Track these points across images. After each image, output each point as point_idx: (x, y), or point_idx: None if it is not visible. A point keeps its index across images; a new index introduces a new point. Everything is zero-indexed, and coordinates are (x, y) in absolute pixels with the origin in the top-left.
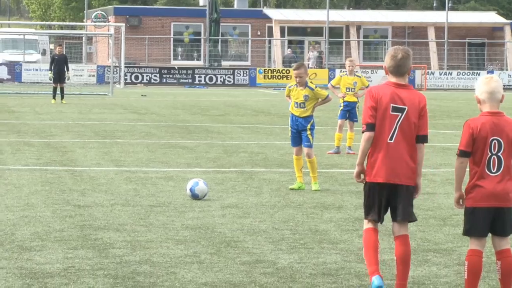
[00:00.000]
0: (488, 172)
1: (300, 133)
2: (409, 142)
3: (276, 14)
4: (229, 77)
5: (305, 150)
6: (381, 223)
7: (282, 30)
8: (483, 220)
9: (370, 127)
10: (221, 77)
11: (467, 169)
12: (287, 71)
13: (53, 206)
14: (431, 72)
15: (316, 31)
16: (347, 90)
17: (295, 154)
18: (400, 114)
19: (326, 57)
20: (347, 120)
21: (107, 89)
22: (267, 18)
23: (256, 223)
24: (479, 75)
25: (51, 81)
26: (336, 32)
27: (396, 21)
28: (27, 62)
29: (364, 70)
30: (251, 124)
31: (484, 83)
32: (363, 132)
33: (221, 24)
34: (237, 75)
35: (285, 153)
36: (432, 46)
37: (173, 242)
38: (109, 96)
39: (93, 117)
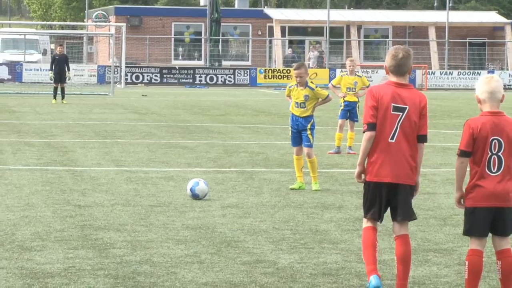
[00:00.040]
0: (489, 172)
1: (300, 133)
2: (410, 141)
3: (277, 14)
4: (229, 77)
5: (305, 150)
6: (381, 222)
7: (282, 30)
8: (483, 220)
9: (371, 126)
10: (221, 77)
11: (468, 169)
12: (288, 71)
13: (54, 206)
14: (432, 72)
15: (317, 30)
16: (348, 90)
17: (296, 154)
18: (401, 113)
19: (327, 57)
20: (348, 120)
21: (107, 89)
22: (268, 18)
23: (257, 223)
24: (479, 74)
25: (52, 81)
26: (337, 32)
27: (396, 21)
28: (28, 62)
29: (364, 70)
30: (251, 124)
31: (484, 82)
32: (364, 132)
33: (221, 24)
34: (237, 75)
35: (285, 153)
36: (433, 46)
37: (174, 242)
38: (109, 96)
39: (93, 117)
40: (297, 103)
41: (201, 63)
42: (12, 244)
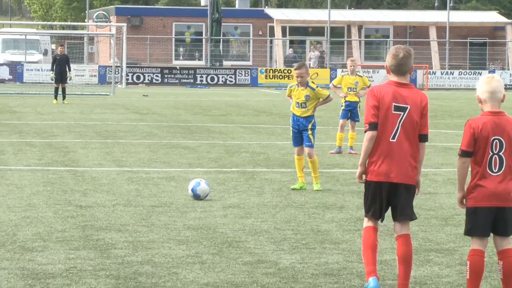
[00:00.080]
0: (490, 172)
1: (301, 133)
2: (411, 141)
3: (278, 14)
4: (230, 77)
5: (306, 150)
6: (382, 221)
7: (283, 30)
8: (484, 220)
9: (372, 126)
10: (222, 77)
11: (469, 169)
12: (289, 71)
13: (55, 207)
14: (433, 71)
15: (318, 30)
16: (349, 90)
17: (297, 154)
18: (402, 113)
19: (328, 56)
20: (349, 120)
21: (108, 89)
22: (269, 18)
23: (258, 223)
24: (480, 74)
25: (53, 81)
26: (338, 32)
27: (397, 21)
28: (29, 62)
29: (365, 69)
30: (252, 124)
31: (485, 82)
32: (365, 132)
33: (222, 24)
34: (238, 75)
35: (286, 153)
36: (434, 46)
37: (175, 243)
38: (110, 96)
39: (94, 117)
40: (298, 103)
41: (202, 63)
42: (14, 245)
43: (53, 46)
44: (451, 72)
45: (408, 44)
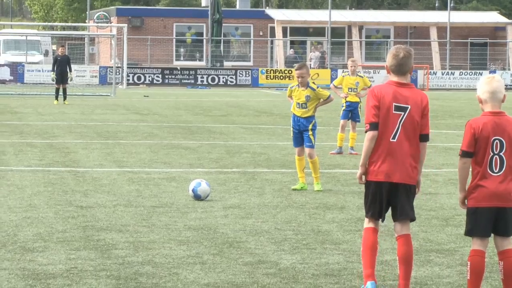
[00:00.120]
0: (490, 172)
1: (302, 133)
2: (412, 141)
3: (278, 15)
4: (231, 78)
5: (307, 150)
6: (383, 221)
7: (284, 30)
8: (485, 220)
9: (373, 126)
10: (223, 78)
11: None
12: (289, 72)
13: (56, 207)
14: (434, 72)
15: (318, 31)
16: (349, 90)
17: (297, 154)
18: (403, 113)
19: (328, 57)
20: (350, 121)
21: (109, 90)
22: (269, 19)
23: (259, 224)
24: (481, 75)
25: (54, 82)
26: (338, 32)
27: (398, 21)
28: (30, 63)
29: (366, 70)
30: (253, 124)
31: (485, 83)
32: (366, 132)
33: (223, 24)
34: (239, 76)
35: (287, 153)
36: (434, 46)
37: (176, 243)
38: (111, 97)
39: (95, 118)
40: (298, 103)
41: (202, 63)
42: (14, 245)
43: (54, 47)
44: (451, 73)
45: (408, 45)
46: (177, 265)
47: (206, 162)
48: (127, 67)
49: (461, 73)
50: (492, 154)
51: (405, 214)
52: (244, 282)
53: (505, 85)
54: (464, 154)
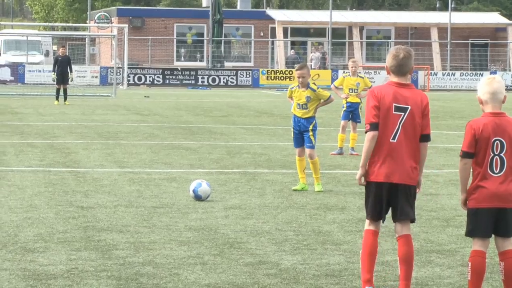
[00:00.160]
0: (491, 173)
1: (302, 134)
2: (412, 141)
3: (279, 15)
4: (232, 78)
5: (307, 151)
6: (383, 222)
7: (285, 31)
8: (486, 221)
9: (374, 126)
10: (224, 78)
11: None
12: (290, 72)
13: (56, 208)
14: (434, 73)
15: (319, 32)
16: (350, 91)
17: (298, 155)
18: (403, 113)
19: (329, 58)
20: (350, 121)
21: (110, 90)
22: (270, 19)
23: (259, 224)
24: (482, 75)
25: (55, 83)
26: (339, 33)
27: (399, 22)
28: (30, 63)
29: (367, 71)
30: (254, 125)
31: (486, 83)
32: (366, 132)
33: (224, 25)
34: (240, 76)
35: (288, 154)
36: (435, 47)
37: (176, 243)
38: (112, 97)
39: (96, 118)
40: (299, 104)
41: (203, 64)
42: (15, 246)
43: (55, 47)
44: (452, 73)
45: (409, 45)
46: (178, 266)
47: (207, 163)
48: (128, 68)
49: (461, 74)
50: (492, 155)
51: (405, 214)
52: (245, 282)
53: (506, 86)
54: (465, 155)
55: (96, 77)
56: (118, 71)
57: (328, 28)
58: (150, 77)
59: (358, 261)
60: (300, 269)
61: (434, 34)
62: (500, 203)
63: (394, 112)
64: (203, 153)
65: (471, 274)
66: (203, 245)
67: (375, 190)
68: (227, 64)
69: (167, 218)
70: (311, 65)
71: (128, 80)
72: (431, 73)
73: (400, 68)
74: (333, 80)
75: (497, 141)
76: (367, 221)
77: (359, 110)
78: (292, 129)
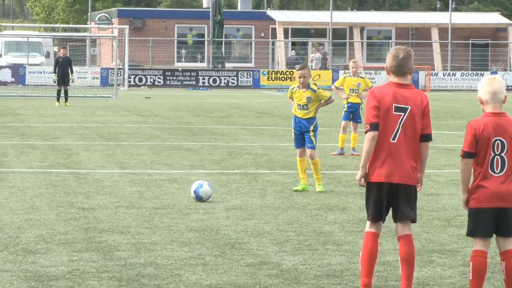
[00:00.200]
0: (492, 173)
1: (303, 134)
2: (412, 142)
3: (280, 16)
4: (232, 79)
5: (308, 151)
6: (383, 222)
7: (285, 31)
8: (487, 221)
9: (374, 126)
10: (224, 79)
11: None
12: (291, 73)
13: (58, 209)
14: (435, 73)
15: (320, 32)
16: (351, 91)
17: (299, 155)
18: (403, 114)
19: (330, 58)
20: (351, 122)
21: (111, 91)
22: (271, 20)
23: (261, 225)
24: (483, 75)
25: (55, 84)
26: (340, 34)
27: (399, 22)
28: (31, 64)
29: (367, 71)
30: (255, 125)
31: (486, 83)
32: (366, 132)
33: (224, 26)
34: (240, 77)
35: (289, 154)
36: (436, 47)
37: (178, 244)
38: (113, 99)
39: (97, 120)
40: (299, 105)
41: (204, 65)
42: (16, 247)
43: (56, 49)
44: (453, 74)
45: (410, 46)
46: (179, 267)
47: (208, 164)
48: (129, 69)
49: (462, 74)
50: (493, 154)
51: (405, 214)
52: (246, 283)
53: (506, 86)
54: (466, 155)
55: (97, 78)
56: (119, 72)
57: (329, 29)
58: (151, 78)
59: (359, 261)
60: (302, 269)
61: (435, 34)
62: (501, 203)
63: (394, 113)
64: (204, 154)
65: (473, 274)
66: (204, 246)
67: (375, 191)
68: (228, 65)
69: (168, 219)
70: (311, 65)
71: (129, 81)
72: (432, 73)
73: (400, 69)
74: (333, 80)
75: (498, 141)
76: (368, 223)
77: (360, 110)
78: (293, 130)
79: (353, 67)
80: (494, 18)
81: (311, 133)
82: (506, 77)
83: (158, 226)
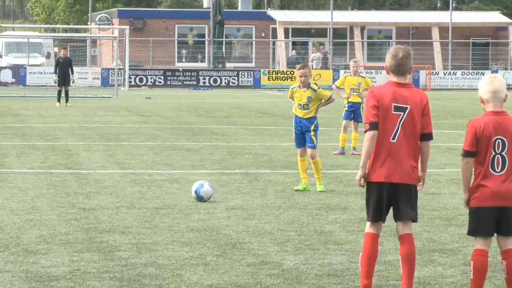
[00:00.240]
0: (492, 172)
1: (304, 134)
2: (412, 141)
3: (280, 16)
4: (233, 79)
5: (308, 151)
6: (384, 222)
7: (286, 31)
8: (487, 220)
9: (373, 126)
10: (225, 79)
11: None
12: (292, 73)
13: (59, 209)
14: (436, 72)
15: (320, 32)
16: (352, 91)
17: (300, 155)
18: (403, 113)
19: (331, 58)
20: (352, 121)
21: (111, 91)
22: (271, 20)
23: (261, 225)
24: (483, 75)
25: (56, 84)
26: (340, 33)
27: (400, 22)
28: (32, 65)
29: (368, 70)
30: (255, 125)
31: (487, 82)
32: (365, 132)
33: (225, 26)
34: (241, 77)
35: (289, 154)
36: (436, 46)
37: (179, 244)
38: (113, 99)
39: (97, 120)
40: (300, 104)
41: (204, 65)
42: (17, 248)
43: (56, 49)
44: (453, 73)
45: (410, 45)
46: (180, 267)
47: (209, 164)
48: (129, 69)
49: (463, 73)
50: (494, 153)
51: (406, 214)
52: (247, 283)
53: (507, 84)
54: (466, 154)
55: (98, 78)
56: (120, 72)
57: (329, 28)
58: (151, 78)
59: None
60: (303, 269)
61: (435, 33)
62: (502, 202)
63: (393, 112)
64: (205, 154)
65: (474, 273)
66: (205, 245)
67: (375, 190)
68: (229, 65)
69: (169, 219)
70: (312, 65)
71: (130, 82)
72: (432, 72)
73: (399, 68)
74: (334, 80)
75: (499, 140)
76: (367, 223)
77: (361, 110)
78: (293, 130)
79: (353, 67)
80: (494, 17)
81: (312, 133)
82: (507, 76)
83: (159, 226)
